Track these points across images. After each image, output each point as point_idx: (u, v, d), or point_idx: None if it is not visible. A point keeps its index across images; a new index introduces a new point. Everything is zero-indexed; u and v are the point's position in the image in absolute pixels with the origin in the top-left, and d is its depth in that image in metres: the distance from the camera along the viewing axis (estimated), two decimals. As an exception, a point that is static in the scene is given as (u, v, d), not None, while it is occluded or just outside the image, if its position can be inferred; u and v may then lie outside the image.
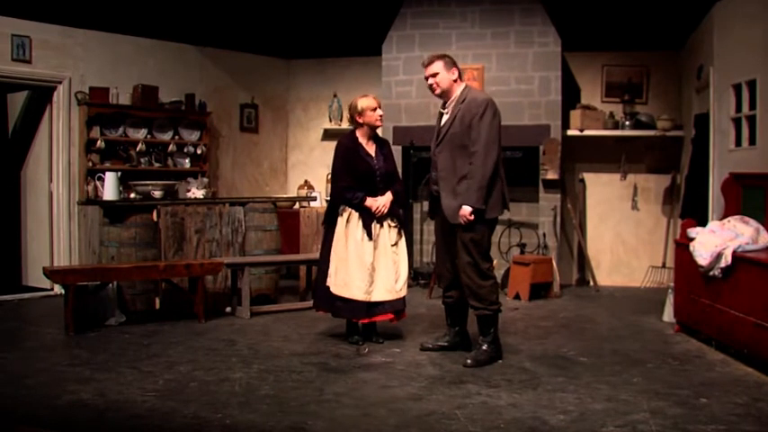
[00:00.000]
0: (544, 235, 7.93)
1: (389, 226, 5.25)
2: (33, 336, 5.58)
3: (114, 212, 6.68)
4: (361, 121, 5.22)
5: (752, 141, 5.95)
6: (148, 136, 7.91)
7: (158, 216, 6.57)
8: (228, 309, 6.51)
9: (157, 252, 6.53)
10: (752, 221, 5.12)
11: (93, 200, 7.15)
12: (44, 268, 6.04)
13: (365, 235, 5.12)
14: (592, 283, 8.26)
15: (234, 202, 7.15)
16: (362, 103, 5.20)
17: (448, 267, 4.94)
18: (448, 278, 4.97)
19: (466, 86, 4.83)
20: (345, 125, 9.08)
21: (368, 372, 4.53)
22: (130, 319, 6.06)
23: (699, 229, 5.39)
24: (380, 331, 5.44)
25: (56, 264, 7.30)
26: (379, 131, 5.48)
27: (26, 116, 7.78)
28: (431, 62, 4.79)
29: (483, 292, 4.69)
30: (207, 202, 7.20)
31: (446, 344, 5.06)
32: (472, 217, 4.58)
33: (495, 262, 4.96)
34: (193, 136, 8.32)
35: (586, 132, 8.06)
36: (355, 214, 5.15)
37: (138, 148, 7.78)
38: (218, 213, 6.86)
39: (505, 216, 8.18)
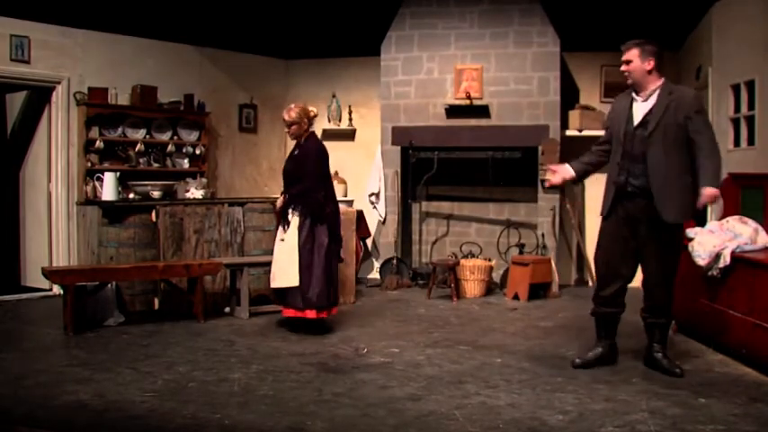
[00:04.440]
0: (543, 235, 7.94)
1: (282, 223, 5.72)
2: (32, 336, 5.58)
3: (113, 213, 6.68)
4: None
5: (750, 142, 5.96)
6: (147, 136, 7.91)
7: (157, 216, 6.57)
8: (227, 309, 6.51)
9: (156, 252, 6.53)
10: (750, 222, 5.12)
11: (92, 200, 7.15)
12: (43, 268, 6.04)
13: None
14: (591, 284, 8.25)
15: (233, 202, 7.15)
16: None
17: (623, 274, 4.62)
18: (618, 286, 4.64)
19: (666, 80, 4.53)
20: (344, 125, 9.11)
21: (366, 372, 4.53)
22: (129, 320, 6.05)
23: (697, 229, 5.39)
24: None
25: (55, 264, 7.30)
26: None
27: (25, 116, 7.77)
28: (628, 48, 4.52)
29: (670, 304, 4.57)
30: (206, 202, 7.20)
31: (598, 357, 4.70)
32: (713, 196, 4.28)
33: None
34: (192, 136, 8.32)
35: (585, 132, 8.06)
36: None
37: (136, 149, 7.78)
38: (217, 213, 6.86)
39: (504, 216, 8.25)
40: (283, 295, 5.66)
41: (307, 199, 5.56)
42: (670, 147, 4.36)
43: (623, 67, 4.52)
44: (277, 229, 5.81)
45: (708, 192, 4.25)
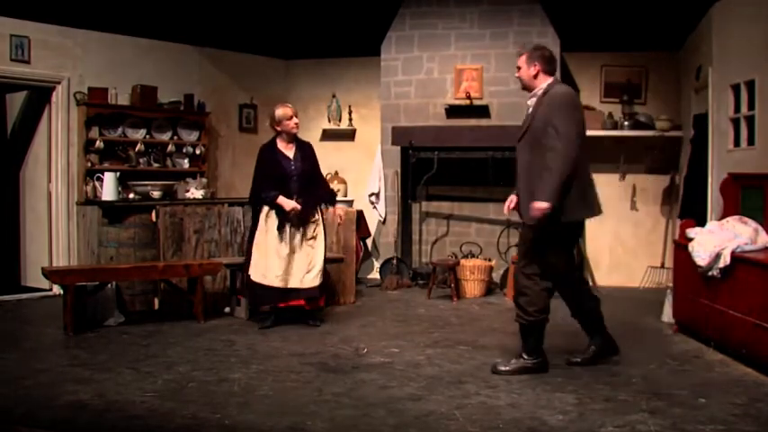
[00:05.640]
0: (543, 235, 7.92)
1: (308, 221, 5.77)
2: (32, 336, 5.58)
3: (113, 213, 6.69)
4: (279, 129, 5.78)
5: (750, 142, 5.96)
6: (147, 136, 7.91)
7: (157, 216, 6.57)
8: (227, 309, 6.50)
9: (156, 252, 6.53)
10: (750, 222, 5.12)
11: (92, 200, 7.15)
12: (43, 268, 6.04)
13: (278, 228, 5.70)
14: (591, 284, 8.26)
15: (233, 202, 7.15)
16: (278, 113, 5.75)
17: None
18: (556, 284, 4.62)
19: (554, 80, 4.56)
20: (344, 125, 9.11)
21: (367, 372, 4.53)
22: (129, 320, 6.05)
23: (698, 229, 5.39)
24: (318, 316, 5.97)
25: (55, 264, 7.30)
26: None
27: (25, 116, 7.77)
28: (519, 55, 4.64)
29: (520, 299, 4.46)
30: (206, 202, 7.21)
31: (590, 355, 4.70)
32: (549, 210, 4.23)
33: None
34: (192, 136, 8.32)
35: (586, 132, 8.05)
36: (273, 210, 5.72)
37: (136, 149, 7.78)
38: (217, 213, 6.86)
39: (504, 216, 8.23)
40: (285, 292, 5.74)
41: (332, 197, 6.03)
42: (536, 149, 4.39)
43: (516, 74, 4.65)
44: (281, 228, 5.69)
45: (534, 206, 4.27)
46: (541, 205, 4.24)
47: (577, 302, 4.70)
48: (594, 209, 4.51)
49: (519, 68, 4.60)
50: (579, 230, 4.57)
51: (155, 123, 7.98)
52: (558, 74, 7.67)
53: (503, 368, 4.50)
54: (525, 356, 4.53)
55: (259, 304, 5.97)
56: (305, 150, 5.86)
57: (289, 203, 5.66)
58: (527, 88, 4.62)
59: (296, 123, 5.76)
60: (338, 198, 8.49)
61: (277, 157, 5.77)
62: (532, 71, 4.52)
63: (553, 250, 4.46)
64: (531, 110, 4.53)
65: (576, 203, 4.36)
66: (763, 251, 4.77)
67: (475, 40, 8.09)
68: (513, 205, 4.67)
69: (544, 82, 4.52)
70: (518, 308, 4.50)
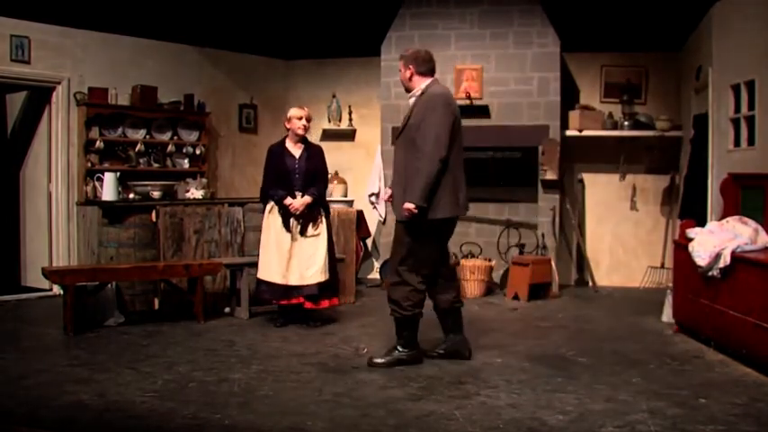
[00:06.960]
0: (543, 235, 7.94)
1: (309, 219, 5.81)
2: (32, 336, 5.57)
3: (113, 213, 6.68)
4: (288, 126, 5.93)
5: (750, 142, 5.96)
6: (147, 136, 7.91)
7: (157, 216, 6.57)
8: (227, 309, 6.51)
9: (156, 252, 6.53)
10: (750, 222, 5.12)
11: (92, 200, 7.15)
12: (43, 269, 6.04)
13: (283, 225, 5.79)
14: (591, 284, 8.26)
15: (233, 202, 7.15)
16: (291, 111, 5.96)
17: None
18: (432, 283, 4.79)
19: (432, 81, 4.69)
20: (344, 125, 9.11)
21: (367, 372, 4.53)
22: (129, 320, 6.05)
23: (698, 229, 5.39)
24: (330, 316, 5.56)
25: (55, 264, 7.29)
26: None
27: (25, 116, 7.77)
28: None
29: (395, 294, 4.63)
30: (206, 202, 7.20)
31: (442, 351, 4.88)
32: (416, 211, 4.42)
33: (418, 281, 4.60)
34: (192, 136, 8.32)
35: (585, 133, 8.07)
36: (276, 207, 5.83)
37: (137, 149, 7.78)
38: (217, 214, 6.86)
39: (504, 216, 8.24)
40: (289, 290, 5.77)
41: (322, 199, 5.97)
42: (410, 148, 4.55)
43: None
44: (287, 225, 5.78)
45: (404, 205, 4.47)
46: (409, 205, 4.45)
47: (441, 298, 4.82)
48: (461, 207, 4.66)
49: (399, 71, 4.80)
50: (451, 227, 4.75)
51: (155, 123, 7.98)
52: (558, 74, 7.82)
53: (378, 360, 4.65)
54: (400, 349, 4.68)
55: (262, 301, 6.04)
56: (312, 152, 5.96)
57: (292, 203, 5.75)
58: (407, 90, 4.80)
59: (303, 126, 5.87)
60: (339, 198, 8.58)
61: (283, 155, 5.89)
62: (407, 74, 4.72)
63: (426, 245, 4.61)
64: (409, 109, 4.69)
65: (445, 201, 4.53)
66: (763, 251, 4.77)
67: (475, 40, 8.09)
68: (387, 198, 4.84)
69: (422, 83, 4.68)
70: (393, 302, 4.65)
